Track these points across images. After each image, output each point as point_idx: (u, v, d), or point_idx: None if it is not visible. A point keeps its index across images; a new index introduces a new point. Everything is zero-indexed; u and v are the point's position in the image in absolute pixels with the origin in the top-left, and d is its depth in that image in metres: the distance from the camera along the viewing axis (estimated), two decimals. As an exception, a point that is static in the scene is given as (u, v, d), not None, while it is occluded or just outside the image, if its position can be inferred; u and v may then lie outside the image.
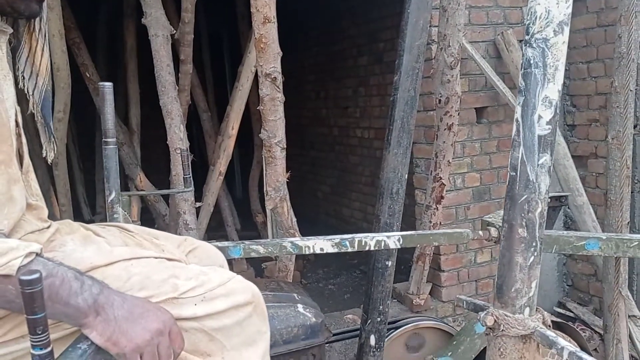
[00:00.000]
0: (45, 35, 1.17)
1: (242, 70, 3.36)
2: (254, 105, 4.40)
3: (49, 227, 1.07)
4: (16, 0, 1.00)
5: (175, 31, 3.04)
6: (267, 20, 2.21)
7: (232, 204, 4.91)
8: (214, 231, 4.57)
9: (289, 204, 2.63)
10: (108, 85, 1.36)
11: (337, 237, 1.50)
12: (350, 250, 1.51)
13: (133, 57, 4.31)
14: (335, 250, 1.51)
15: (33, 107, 1.20)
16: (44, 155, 1.29)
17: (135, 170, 4.01)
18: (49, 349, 0.70)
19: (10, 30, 1.08)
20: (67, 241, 1.03)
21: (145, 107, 4.37)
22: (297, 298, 1.71)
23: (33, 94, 1.19)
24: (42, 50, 1.16)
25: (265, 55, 2.31)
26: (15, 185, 0.97)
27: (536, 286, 1.23)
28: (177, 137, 2.95)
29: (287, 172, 2.57)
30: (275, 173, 2.55)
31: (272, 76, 2.32)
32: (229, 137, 3.48)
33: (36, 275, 0.67)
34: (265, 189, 3.99)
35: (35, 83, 1.18)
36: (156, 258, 1.04)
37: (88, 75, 3.76)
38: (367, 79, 4.64)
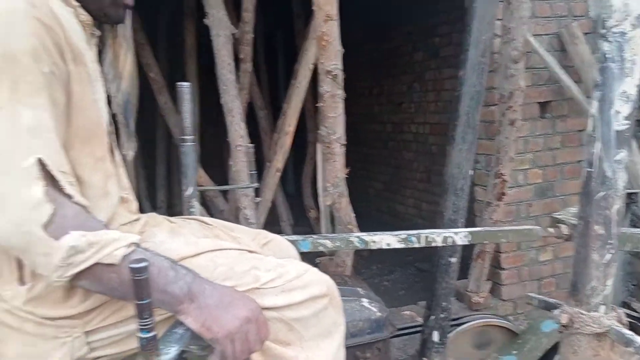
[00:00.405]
0: (129, 40, 1.23)
1: (299, 68, 3.41)
2: (308, 103, 4.45)
3: (138, 219, 1.13)
4: (109, 6, 1.06)
5: (236, 31, 3.11)
6: (329, 18, 2.24)
7: (285, 200, 4.99)
8: (269, 226, 4.65)
9: (347, 199, 2.66)
10: (186, 86, 1.42)
11: (403, 233, 1.52)
12: (416, 246, 1.52)
13: (193, 56, 4.43)
14: (402, 245, 1.52)
15: (116, 108, 1.27)
16: (124, 153, 1.37)
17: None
18: (153, 332, 0.75)
19: (99, 34, 1.14)
20: (156, 233, 1.09)
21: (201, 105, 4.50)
22: (361, 292, 1.73)
23: (116, 96, 1.26)
24: (126, 54, 1.22)
25: (326, 53, 2.34)
26: (110, 180, 1.04)
27: (612, 284, 1.21)
28: (238, 134, 3.03)
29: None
30: (334, 169, 2.58)
31: (334, 73, 2.35)
32: (286, 134, 3.54)
33: (145, 264, 0.72)
34: (318, 185, 4.04)
35: (118, 85, 1.25)
36: (237, 250, 1.09)
37: (152, 75, 3.90)
38: (422, 74, 4.61)
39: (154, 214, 1.22)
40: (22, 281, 0.91)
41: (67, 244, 0.81)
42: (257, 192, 3.60)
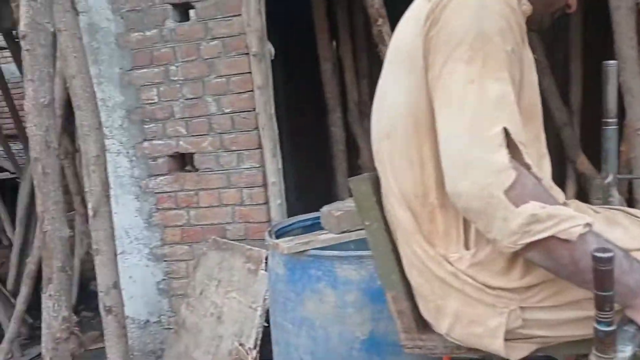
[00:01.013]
0: None
1: None
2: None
3: (566, 203, 1.09)
4: (550, 14, 1.09)
5: (645, -1, 2.72)
6: None
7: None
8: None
9: None
10: (612, 64, 1.29)
11: None
12: None
13: (577, 32, 4.10)
14: None
15: None
16: None
17: (576, 151, 3.85)
18: (613, 327, 0.71)
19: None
20: (592, 221, 1.03)
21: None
22: None
23: None
24: None
25: None
26: (543, 159, 1.05)
27: None
28: (638, 116, 2.66)
29: None
30: None
31: None
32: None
33: (611, 254, 0.68)
34: None
35: None
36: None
37: (535, 57, 3.74)
38: None
39: (576, 201, 1.17)
40: (466, 246, 0.99)
41: (528, 212, 0.83)
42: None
